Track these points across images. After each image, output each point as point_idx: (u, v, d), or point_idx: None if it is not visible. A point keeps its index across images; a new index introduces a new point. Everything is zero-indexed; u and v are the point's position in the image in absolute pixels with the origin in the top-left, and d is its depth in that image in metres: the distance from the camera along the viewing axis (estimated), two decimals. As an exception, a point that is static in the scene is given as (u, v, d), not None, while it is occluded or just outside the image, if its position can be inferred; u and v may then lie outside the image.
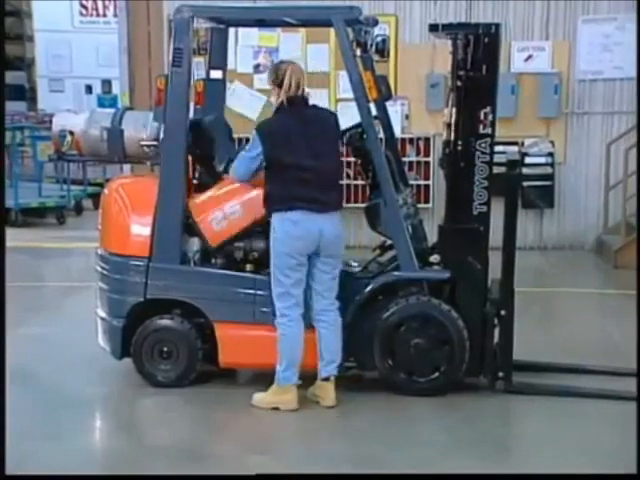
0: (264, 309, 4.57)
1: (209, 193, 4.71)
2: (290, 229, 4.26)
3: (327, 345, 4.41)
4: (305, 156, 4.28)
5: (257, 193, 4.48)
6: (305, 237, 4.28)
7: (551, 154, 8.70)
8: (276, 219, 4.31)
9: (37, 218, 10.58)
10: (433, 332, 4.51)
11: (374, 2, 8.44)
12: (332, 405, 4.42)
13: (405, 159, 7.60)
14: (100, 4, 16.00)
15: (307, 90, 4.44)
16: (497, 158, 4.59)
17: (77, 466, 3.78)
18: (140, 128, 6.12)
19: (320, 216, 4.31)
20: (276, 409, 4.35)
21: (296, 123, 4.34)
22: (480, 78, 4.43)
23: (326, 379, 4.43)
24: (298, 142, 4.29)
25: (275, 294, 4.36)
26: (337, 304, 4.46)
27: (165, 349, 4.65)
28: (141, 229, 4.68)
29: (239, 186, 4.56)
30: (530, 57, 8.65)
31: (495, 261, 4.55)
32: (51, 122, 10.67)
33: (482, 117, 4.45)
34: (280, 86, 4.33)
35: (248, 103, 8.81)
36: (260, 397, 4.43)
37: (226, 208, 4.59)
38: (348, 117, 4.77)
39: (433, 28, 4.63)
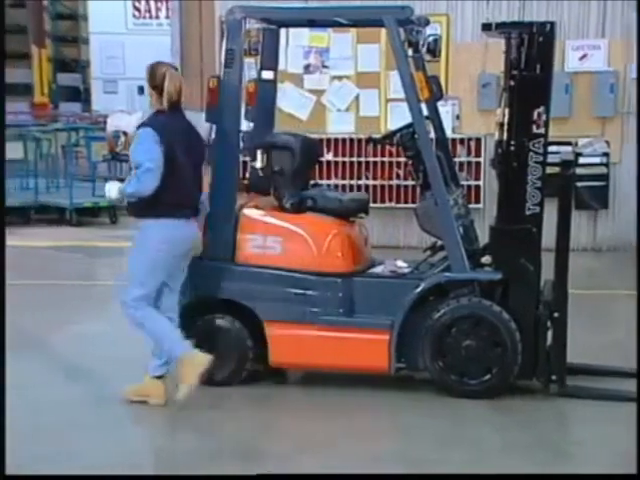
0: (314, 309, 4.58)
1: (264, 213, 4.71)
2: (167, 235, 4.25)
3: (172, 342, 4.36)
4: (189, 161, 4.29)
5: (305, 245, 4.54)
6: (178, 242, 4.29)
7: (606, 154, 8.56)
8: (152, 224, 4.26)
9: (90, 217, 10.77)
10: (484, 334, 4.46)
11: (426, 2, 8.40)
12: (164, 403, 4.39)
13: (456, 159, 7.55)
14: (153, 6, 16.24)
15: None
16: (551, 158, 4.54)
17: (126, 464, 3.82)
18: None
19: (190, 223, 4.35)
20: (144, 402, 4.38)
21: (179, 127, 4.32)
22: (534, 77, 4.38)
23: (161, 377, 4.43)
24: (183, 145, 4.27)
25: (137, 295, 4.29)
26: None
27: (216, 348, 4.68)
28: (193, 229, 4.72)
29: (296, 229, 4.60)
30: (585, 56, 8.52)
31: (548, 262, 4.49)
32: (105, 123, 10.87)
33: (536, 117, 4.40)
34: (160, 92, 4.27)
35: (298, 103, 8.85)
36: (130, 390, 4.43)
37: (269, 239, 4.61)
38: (399, 117, 4.74)
39: (486, 27, 4.60)
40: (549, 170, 4.49)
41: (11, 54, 18.79)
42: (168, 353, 4.38)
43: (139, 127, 4.31)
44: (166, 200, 4.21)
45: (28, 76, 19.08)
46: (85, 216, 10.65)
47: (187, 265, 4.49)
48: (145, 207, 4.26)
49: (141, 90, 15.77)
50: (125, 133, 8.77)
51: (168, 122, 4.28)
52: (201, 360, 4.33)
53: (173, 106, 4.29)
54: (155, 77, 4.30)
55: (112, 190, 4.37)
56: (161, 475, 3.74)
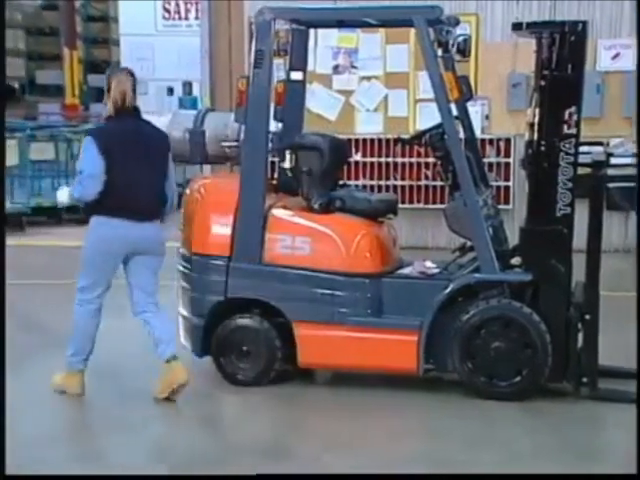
0: (342, 309, 4.58)
1: (292, 214, 4.71)
2: (103, 233, 4.41)
3: (164, 326, 4.52)
4: (134, 165, 4.36)
5: (333, 245, 4.56)
6: (117, 241, 4.41)
7: (638, 154, 8.44)
8: (93, 223, 4.44)
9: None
10: (514, 335, 4.44)
11: (455, 1, 8.35)
12: (187, 381, 4.43)
13: (485, 160, 7.51)
14: (182, 8, 16.33)
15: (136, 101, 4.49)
16: (582, 158, 4.50)
17: (155, 461, 3.85)
18: (221, 129, 6.17)
19: (138, 225, 4.40)
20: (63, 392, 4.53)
21: (123, 132, 4.40)
22: (565, 77, 4.34)
23: (173, 358, 4.45)
24: (124, 150, 4.36)
25: (80, 286, 4.49)
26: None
27: (244, 348, 4.70)
28: (222, 229, 4.74)
29: (324, 230, 4.61)
30: (617, 55, 8.43)
31: (579, 264, 4.45)
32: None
33: (567, 117, 4.36)
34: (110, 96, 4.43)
35: (326, 104, 8.85)
36: (54, 378, 4.58)
37: (297, 239, 4.61)
38: (428, 117, 4.72)
39: (517, 27, 4.57)
40: (580, 171, 4.45)
41: (43, 56, 19.06)
42: (72, 347, 4.53)
43: (85, 135, 4.61)
44: (107, 204, 4.37)
45: (60, 77, 19.28)
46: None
47: (156, 265, 4.54)
48: (91, 209, 4.45)
49: (170, 91, 15.89)
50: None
51: (111, 129, 4.46)
52: (70, 386, 4.55)
53: (119, 112, 4.39)
54: (108, 82, 4.45)
55: (63, 195, 4.71)
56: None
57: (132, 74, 4.48)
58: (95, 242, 4.44)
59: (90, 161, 4.35)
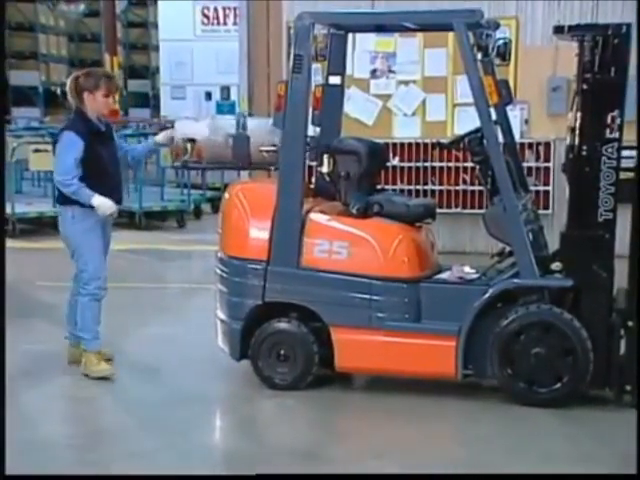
0: (380, 314, 4.57)
1: (330, 218, 4.71)
2: None
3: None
4: None
5: (371, 250, 4.54)
6: None
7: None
8: None
9: (159, 221, 10.95)
10: (554, 341, 4.38)
11: (494, 3, 8.28)
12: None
13: (524, 164, 7.43)
14: (221, 13, 16.41)
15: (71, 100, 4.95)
16: (624, 163, 4.43)
17: (192, 462, 3.86)
18: (266, 134, 6.19)
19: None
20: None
21: None
22: (608, 81, 4.29)
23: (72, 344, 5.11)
24: None
25: None
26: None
27: (282, 352, 4.71)
28: (260, 233, 4.76)
29: (362, 234, 4.60)
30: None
31: (622, 270, 4.38)
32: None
33: (609, 121, 4.31)
34: None
35: (364, 108, 8.83)
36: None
37: (335, 243, 4.61)
38: (466, 122, 4.68)
39: (558, 30, 4.52)
40: (623, 175, 4.39)
41: (84, 62, 19.29)
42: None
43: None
44: None
45: (100, 83, 19.40)
46: (154, 220, 10.83)
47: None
48: None
49: (208, 96, 15.97)
50: (193, 140, 8.87)
51: None
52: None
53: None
54: None
55: None
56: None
57: (85, 74, 4.95)
58: None
59: None
